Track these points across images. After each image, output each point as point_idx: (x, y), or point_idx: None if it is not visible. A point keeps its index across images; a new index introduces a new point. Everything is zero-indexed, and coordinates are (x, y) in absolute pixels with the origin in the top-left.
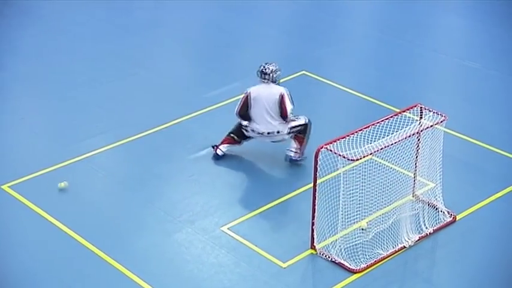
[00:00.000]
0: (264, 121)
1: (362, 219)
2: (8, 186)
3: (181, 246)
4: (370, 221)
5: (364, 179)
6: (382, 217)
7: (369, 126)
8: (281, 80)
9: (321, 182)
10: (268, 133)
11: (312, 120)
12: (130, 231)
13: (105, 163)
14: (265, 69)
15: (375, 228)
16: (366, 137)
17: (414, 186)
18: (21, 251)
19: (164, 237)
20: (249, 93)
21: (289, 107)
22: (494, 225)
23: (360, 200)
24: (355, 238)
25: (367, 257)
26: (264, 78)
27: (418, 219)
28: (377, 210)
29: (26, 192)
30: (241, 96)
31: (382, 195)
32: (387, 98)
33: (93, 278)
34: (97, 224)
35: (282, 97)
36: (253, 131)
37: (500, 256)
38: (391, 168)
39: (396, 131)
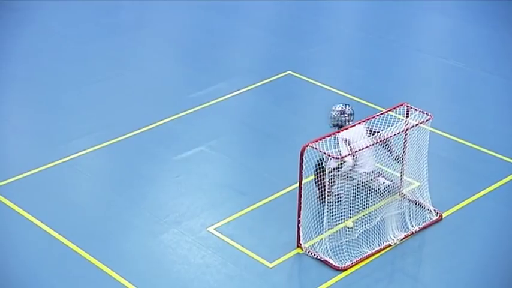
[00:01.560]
0: None
1: (348, 218)
2: None
3: (168, 247)
4: (356, 219)
5: (350, 177)
6: (368, 216)
7: (354, 125)
8: (266, 80)
9: (307, 182)
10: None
11: (298, 119)
12: (117, 233)
13: (91, 164)
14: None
15: (361, 227)
16: (353, 136)
17: (401, 185)
18: (6, 253)
19: (151, 238)
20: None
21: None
22: (481, 223)
23: (345, 199)
24: (341, 237)
25: (353, 255)
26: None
27: (404, 217)
28: (363, 209)
29: (10, 194)
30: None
31: (368, 194)
32: (372, 98)
33: (80, 279)
34: (83, 225)
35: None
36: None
37: (487, 253)
38: (377, 167)
39: (382, 130)
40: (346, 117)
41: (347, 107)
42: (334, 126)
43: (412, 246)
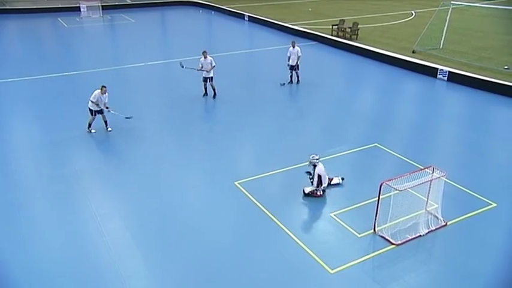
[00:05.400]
0: None
1: (401, 217)
2: (238, 183)
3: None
4: (405, 219)
5: (403, 199)
6: (411, 218)
7: (408, 175)
8: (366, 147)
9: (383, 198)
10: None
11: (377, 175)
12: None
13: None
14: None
15: (407, 224)
16: (406, 180)
17: (426, 205)
18: (224, 217)
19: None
20: None
21: None
22: (471, 231)
23: (400, 208)
24: (395, 227)
25: (401, 238)
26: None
27: (428, 221)
28: (408, 214)
29: (249, 188)
30: None
31: (410, 207)
32: (420, 162)
33: (263, 232)
34: (282, 209)
35: None
36: None
37: (475, 248)
38: (416, 195)
39: (420, 178)
40: (315, 161)
41: (315, 155)
42: (310, 165)
43: (431, 237)
